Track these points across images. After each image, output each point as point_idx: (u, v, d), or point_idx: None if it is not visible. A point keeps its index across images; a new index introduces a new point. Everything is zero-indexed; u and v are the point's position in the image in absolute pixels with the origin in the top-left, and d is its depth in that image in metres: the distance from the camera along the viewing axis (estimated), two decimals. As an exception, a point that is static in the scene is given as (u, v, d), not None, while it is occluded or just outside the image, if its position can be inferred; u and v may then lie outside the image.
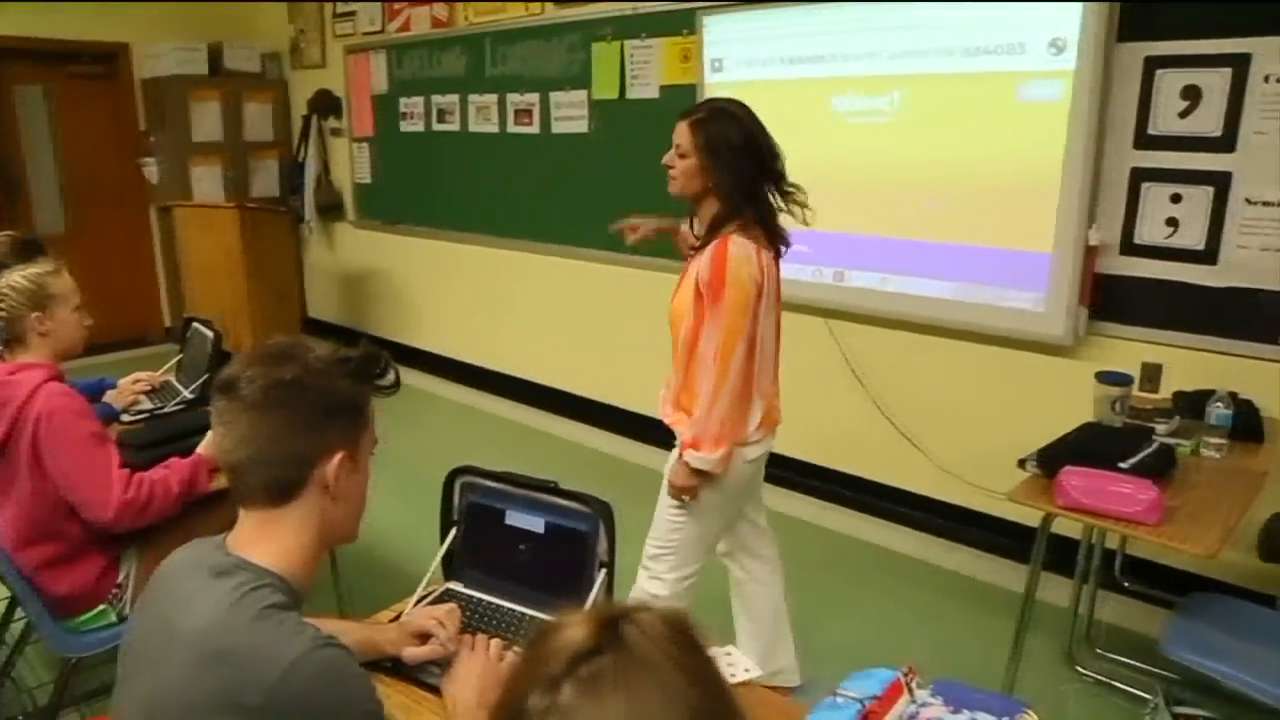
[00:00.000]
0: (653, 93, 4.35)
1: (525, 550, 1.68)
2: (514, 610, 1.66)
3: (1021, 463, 2.45)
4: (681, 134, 2.28)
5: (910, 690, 1.36)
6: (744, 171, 2.23)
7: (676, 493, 2.35)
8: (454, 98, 5.42)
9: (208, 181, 6.55)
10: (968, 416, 3.52)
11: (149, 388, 3.06)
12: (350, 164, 6.36)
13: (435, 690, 1.46)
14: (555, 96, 4.81)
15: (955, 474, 3.55)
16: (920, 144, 3.42)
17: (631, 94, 4.44)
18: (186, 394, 2.96)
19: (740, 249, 2.18)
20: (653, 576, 2.44)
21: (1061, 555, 2.80)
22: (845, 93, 3.62)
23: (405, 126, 5.80)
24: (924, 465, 3.65)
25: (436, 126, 5.58)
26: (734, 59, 3.95)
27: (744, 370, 2.25)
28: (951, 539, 3.63)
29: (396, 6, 5.72)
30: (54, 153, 6.62)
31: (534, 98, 4.92)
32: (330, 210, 6.54)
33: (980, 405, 3.49)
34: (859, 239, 3.67)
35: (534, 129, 4.95)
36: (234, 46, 6.72)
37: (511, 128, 5.09)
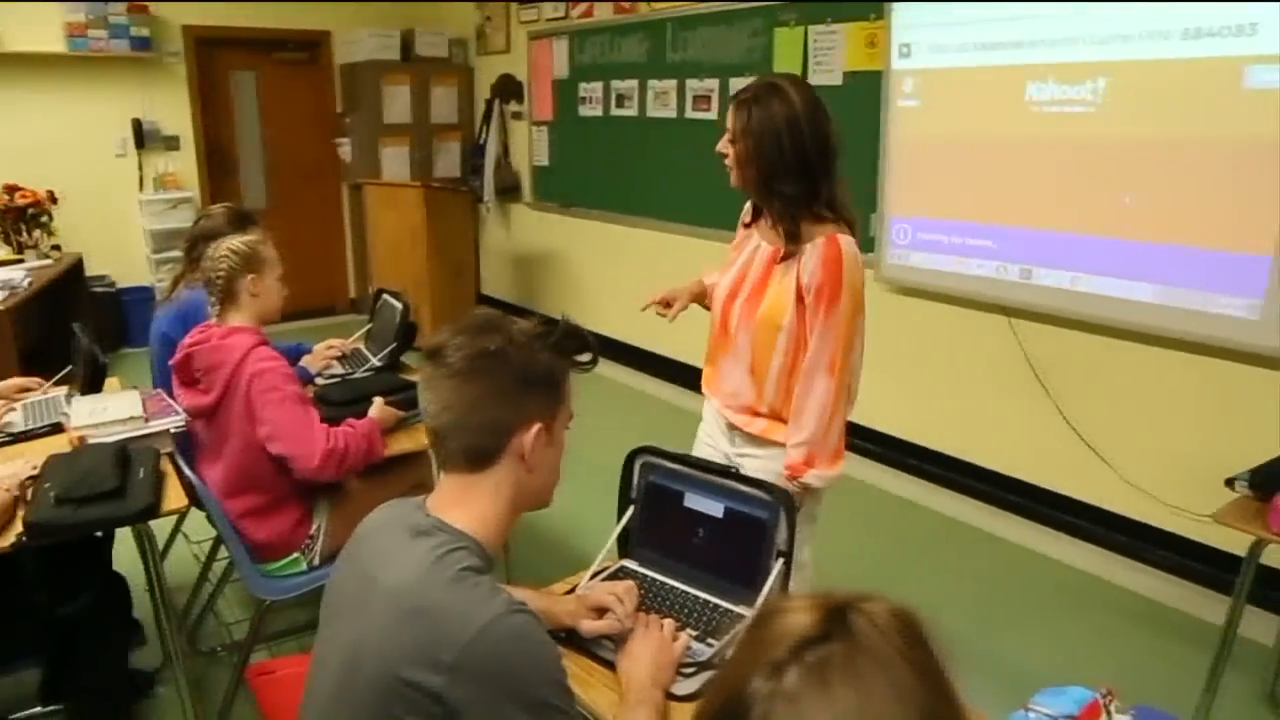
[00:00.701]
0: (835, 79, 4.25)
1: (701, 534, 1.68)
2: (687, 593, 1.66)
3: (1230, 482, 2.26)
4: (731, 117, 2.03)
5: (1109, 713, 1.28)
6: (791, 153, 1.95)
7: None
8: (633, 83, 5.48)
9: (396, 161, 6.89)
10: (1162, 430, 3.28)
11: (340, 354, 3.24)
12: (529, 147, 6.54)
13: (608, 664, 1.48)
14: (735, 82, 4.77)
15: (1144, 490, 3.32)
16: (1124, 135, 3.20)
17: (813, 80, 4.35)
18: (375, 361, 3.11)
19: (851, 249, 1.99)
20: None
21: (1266, 586, 2.58)
22: (1041, 80, 3.43)
23: (584, 111, 5.90)
24: (1108, 478, 3.43)
25: (615, 111, 5.65)
26: (923, 44, 3.81)
27: (850, 382, 2.09)
28: (1136, 558, 3.40)
29: (579, -7, 5.84)
30: (260, 133, 7.12)
31: (713, 83, 4.91)
32: (508, 191, 6.75)
33: (1178, 418, 3.24)
34: (1049, 235, 3.48)
35: (712, 115, 4.94)
36: (425, 33, 7.02)
37: (689, 113, 5.10)
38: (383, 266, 6.19)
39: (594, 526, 3.09)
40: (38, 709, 2.59)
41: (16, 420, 2.69)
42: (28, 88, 6.10)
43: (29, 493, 2.13)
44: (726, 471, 1.64)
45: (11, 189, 5.64)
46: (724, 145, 2.06)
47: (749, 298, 2.12)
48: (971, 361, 3.89)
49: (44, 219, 5.75)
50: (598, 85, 5.78)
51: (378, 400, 2.60)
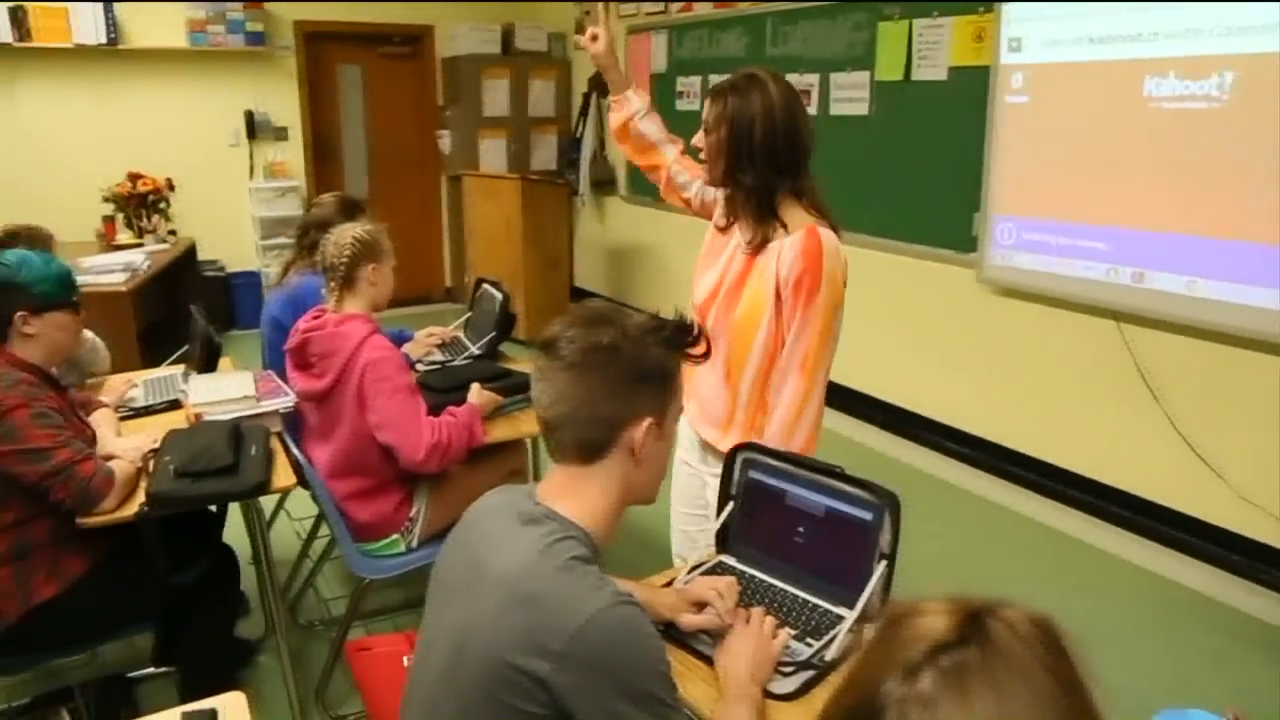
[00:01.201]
0: (940, 74, 4.16)
1: (803, 533, 1.66)
2: (786, 591, 1.65)
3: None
4: (707, 108, 1.94)
5: (1236, 739, 1.22)
6: (766, 143, 1.88)
7: None
8: (730, 78, 5.44)
9: (493, 153, 7.00)
10: (1284, 444, 3.12)
11: (440, 341, 3.30)
12: (625, 141, 6.55)
13: (706, 659, 1.48)
14: (835, 78, 4.71)
15: (1260, 507, 3.17)
16: (1252, 134, 3.05)
17: (917, 75, 4.27)
18: (474, 350, 3.16)
19: (830, 240, 1.91)
20: None
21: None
22: (1161, 75, 3.29)
23: (681, 105, 5.90)
24: (1222, 493, 3.27)
25: (711, 106, 5.63)
26: (1035, 38, 3.69)
27: (825, 379, 1.98)
28: (1251, 579, 3.24)
29: (679, -13, 5.83)
30: (364, 124, 7.32)
31: (813, 79, 4.85)
32: (603, 185, 6.80)
33: (1301, 432, 3.08)
34: (1164, 237, 3.33)
35: (811, 110, 4.88)
36: (524, 27, 7.11)
37: (787, 109, 5.04)
38: (479, 256, 6.29)
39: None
40: (151, 669, 2.72)
41: (138, 396, 2.82)
42: (151, 81, 6.40)
43: (150, 465, 2.23)
44: (831, 470, 1.62)
45: (134, 177, 5.93)
46: (699, 138, 1.98)
47: (726, 296, 2.03)
48: (1076, 366, 3.76)
49: (162, 205, 6.02)
50: (695, 80, 5.77)
51: (475, 385, 2.64)
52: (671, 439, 1.32)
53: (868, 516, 1.57)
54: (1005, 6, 3.75)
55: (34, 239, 2.84)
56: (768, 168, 1.90)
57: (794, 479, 1.68)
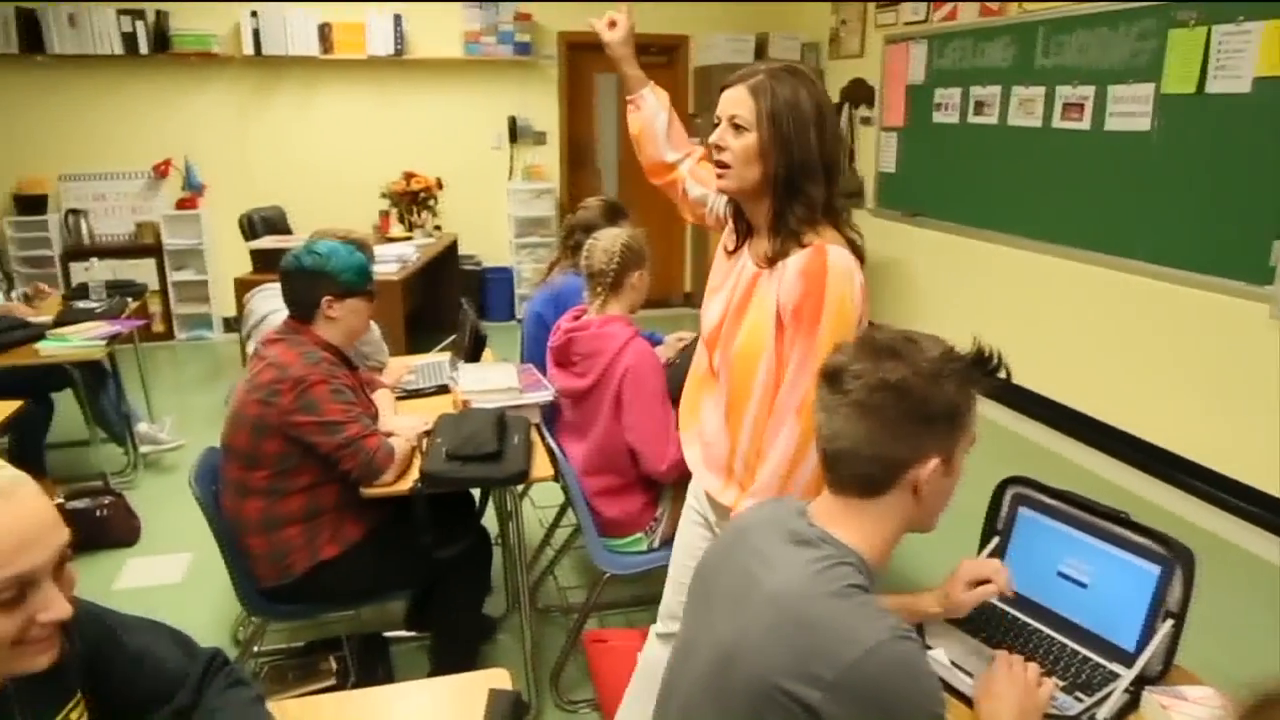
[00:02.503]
0: (1242, 86, 3.76)
1: (1075, 579, 1.55)
2: (1054, 639, 1.55)
3: None
4: (739, 102, 1.64)
5: None
6: (820, 150, 1.62)
7: None
8: (995, 89, 5.19)
9: (741, 163, 7.04)
10: None
11: (686, 346, 3.35)
12: (875, 153, 6.41)
13: (965, 700, 1.41)
14: (1114, 90, 4.38)
15: None
16: None
17: (1212, 88, 3.89)
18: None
19: (843, 262, 1.60)
20: None
21: None
22: None
23: (938, 118, 5.69)
24: None
25: (972, 119, 5.39)
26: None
27: None
28: None
29: (945, -5, 5.63)
30: (617, 131, 7.58)
31: (1088, 91, 4.53)
32: (850, 197, 6.67)
33: None
34: None
35: (1083, 125, 4.56)
36: (779, 37, 7.11)
37: (1056, 123, 4.74)
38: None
39: (934, 557, 2.97)
40: (402, 632, 2.94)
41: (413, 379, 3.06)
42: (428, 88, 6.93)
43: (424, 445, 2.42)
44: (1115, 515, 1.51)
45: (409, 175, 6.44)
46: (724, 135, 1.66)
47: (729, 327, 1.76)
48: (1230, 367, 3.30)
49: (431, 202, 6.51)
50: (955, 91, 5.54)
51: None
52: (959, 472, 1.26)
53: (1154, 570, 1.45)
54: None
55: (359, 245, 3.13)
56: (815, 177, 1.63)
57: (1071, 520, 1.58)
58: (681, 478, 2.47)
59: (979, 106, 5.34)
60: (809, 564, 1.17)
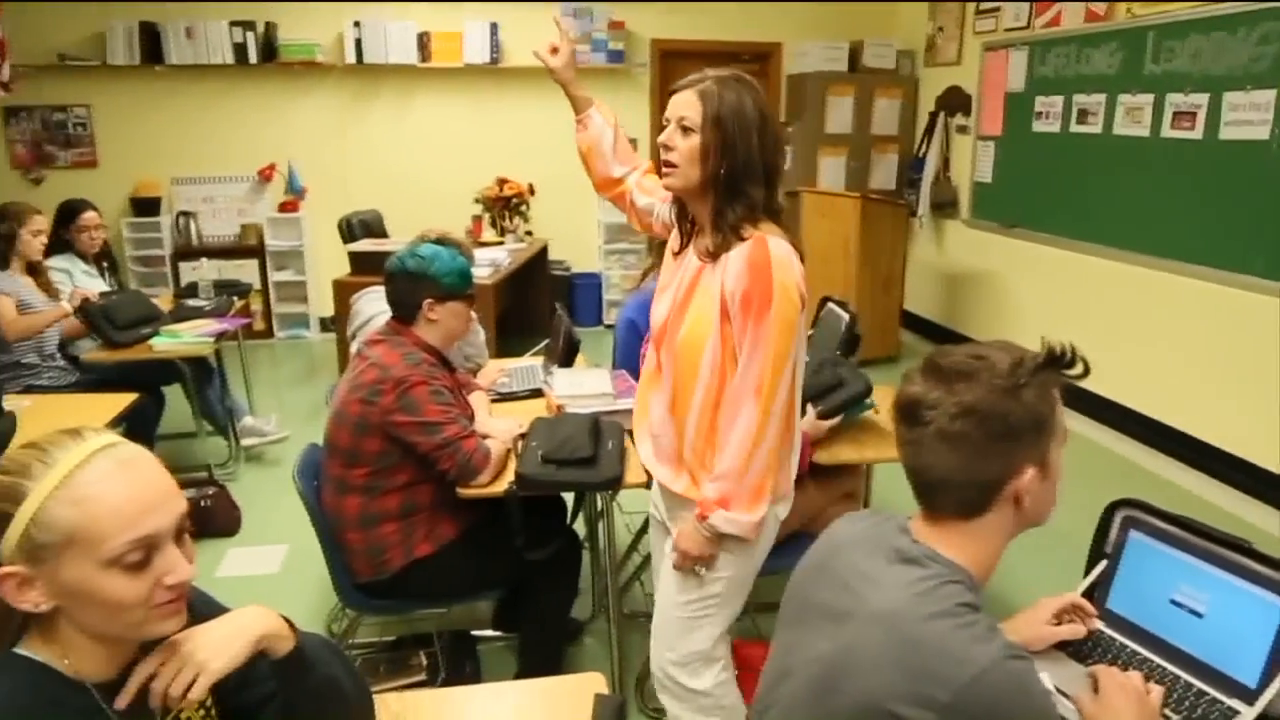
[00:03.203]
0: (1373, 95, 3.59)
1: (1189, 606, 1.49)
2: (1165, 669, 1.49)
3: None
4: (687, 104, 1.76)
5: None
6: (760, 153, 1.74)
7: (691, 562, 1.88)
8: (1099, 97, 5.04)
9: (832, 170, 6.99)
10: None
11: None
12: (971, 162, 6.28)
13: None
14: (1229, 97, 4.21)
15: None
16: None
17: (1343, 95, 3.71)
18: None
19: (782, 251, 1.73)
20: (692, 692, 2.00)
21: None
22: None
23: (1038, 126, 5.55)
24: None
25: (1074, 128, 5.24)
26: None
27: (787, 404, 1.79)
28: None
29: (1044, 3, 5.48)
30: (707, 138, 7.58)
31: (1201, 99, 4.36)
32: (943, 207, 6.55)
33: None
34: None
35: (1195, 134, 4.39)
36: (873, 44, 7.03)
37: (1166, 131, 4.58)
38: (810, 273, 6.21)
39: (1029, 578, 2.90)
40: (489, 632, 2.99)
41: (507, 382, 3.11)
42: (521, 95, 7.03)
43: (519, 447, 2.45)
44: (1238, 544, 1.44)
45: (502, 181, 6.55)
46: (672, 136, 1.79)
47: (673, 319, 1.86)
48: None
49: (523, 208, 6.61)
50: (1057, 100, 5.39)
51: (810, 413, 2.64)
52: (1059, 467, 1.22)
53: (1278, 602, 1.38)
54: None
55: (460, 249, 3.21)
56: (758, 180, 1.75)
57: (1187, 547, 1.51)
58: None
59: (1082, 115, 5.18)
60: (916, 583, 1.15)
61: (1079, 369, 1.20)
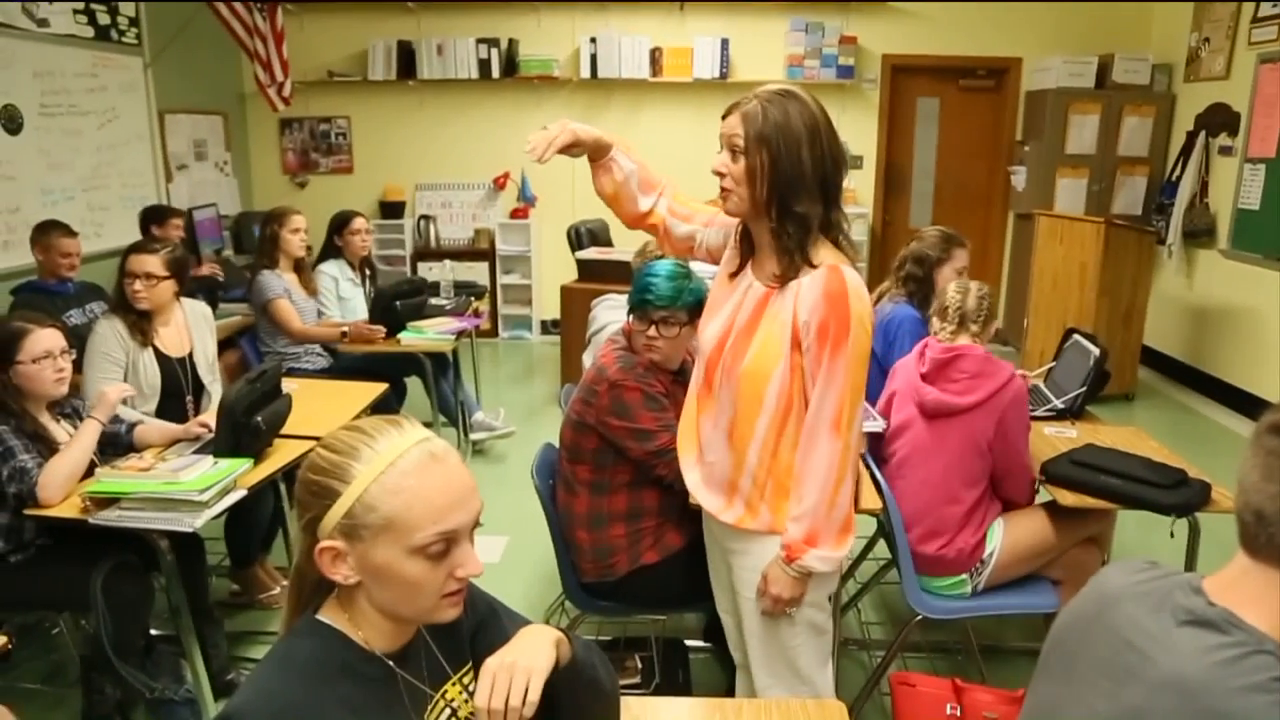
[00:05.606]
0: None
1: None
2: None
3: None
4: (733, 127, 1.70)
5: None
6: (812, 167, 1.67)
7: (783, 606, 1.80)
8: (1401, 118, 4.49)
9: (1071, 193, 6.59)
10: None
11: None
12: (1235, 187, 5.74)
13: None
14: None
15: None
16: None
17: None
18: (1058, 404, 2.98)
19: (856, 281, 1.70)
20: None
21: None
22: None
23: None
24: None
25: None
26: None
27: (860, 437, 1.84)
28: None
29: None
30: (935, 156, 7.34)
31: None
32: (1197, 235, 6.02)
33: None
34: None
35: None
36: (1125, 58, 6.57)
37: None
38: (1042, 300, 5.94)
39: None
40: (699, 642, 3.01)
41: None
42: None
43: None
44: None
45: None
46: (723, 163, 1.71)
47: (735, 344, 1.79)
48: None
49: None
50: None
51: None
52: None
53: None
54: None
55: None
56: (812, 197, 1.69)
57: None
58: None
59: (1377, 138, 4.63)
60: (1216, 650, 1.05)
61: None
